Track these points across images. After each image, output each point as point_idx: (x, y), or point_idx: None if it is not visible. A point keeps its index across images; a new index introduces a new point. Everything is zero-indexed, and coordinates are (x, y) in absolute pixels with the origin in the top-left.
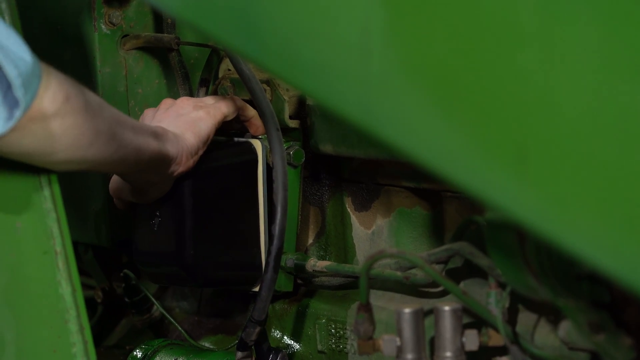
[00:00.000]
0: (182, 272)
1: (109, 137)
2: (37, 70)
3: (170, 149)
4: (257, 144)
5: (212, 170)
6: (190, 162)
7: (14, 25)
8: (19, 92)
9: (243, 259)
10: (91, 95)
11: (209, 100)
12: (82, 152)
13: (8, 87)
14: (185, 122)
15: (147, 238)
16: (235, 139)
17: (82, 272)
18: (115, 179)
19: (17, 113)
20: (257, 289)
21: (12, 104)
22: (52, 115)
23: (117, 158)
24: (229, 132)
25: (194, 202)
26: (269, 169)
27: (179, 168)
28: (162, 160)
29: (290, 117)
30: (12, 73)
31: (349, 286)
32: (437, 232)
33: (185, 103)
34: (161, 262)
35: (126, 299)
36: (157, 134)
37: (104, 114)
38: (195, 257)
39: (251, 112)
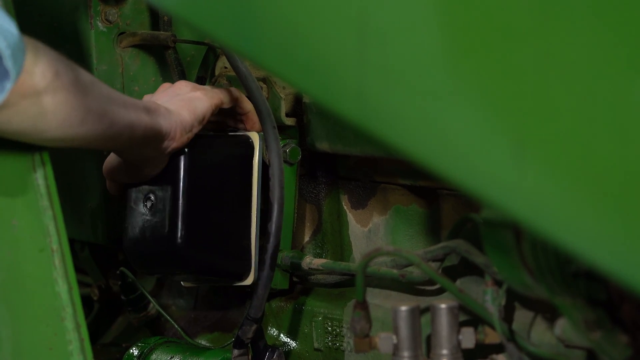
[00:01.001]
0: (171, 255)
1: (100, 114)
2: (23, 45)
3: (163, 123)
4: (255, 137)
5: (207, 159)
6: (185, 138)
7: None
8: (9, 62)
9: (233, 249)
10: (82, 73)
11: (208, 87)
12: (74, 129)
13: None
14: (182, 100)
15: (138, 223)
16: (231, 133)
17: (78, 269)
18: (109, 160)
19: (8, 85)
20: (245, 282)
21: (2, 75)
22: (43, 91)
23: (110, 134)
24: (225, 129)
25: (187, 187)
26: (265, 167)
27: (172, 143)
28: (156, 135)
29: (287, 115)
30: (1, 44)
31: (345, 284)
32: (433, 230)
33: (183, 84)
34: (151, 246)
35: (122, 297)
36: (149, 109)
37: (95, 91)
38: (186, 241)
39: (248, 105)
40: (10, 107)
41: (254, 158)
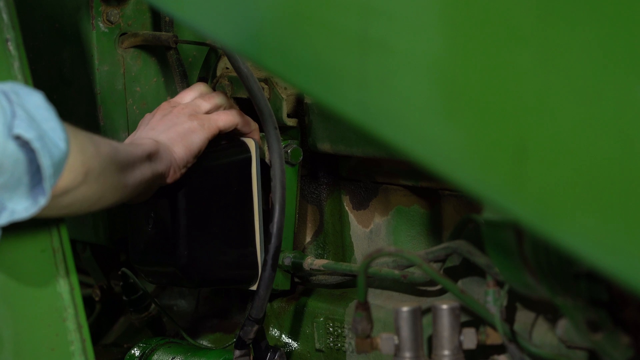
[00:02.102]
0: (177, 272)
1: (117, 186)
2: (66, 157)
3: (161, 167)
4: (251, 143)
5: (205, 170)
6: (178, 174)
7: (12, 22)
8: (47, 184)
9: (238, 258)
10: (104, 147)
11: (205, 105)
12: (89, 205)
13: (36, 171)
14: (178, 133)
15: (143, 238)
16: (224, 141)
17: (80, 270)
18: None
19: (42, 201)
20: (253, 287)
21: (38, 192)
22: (71, 190)
23: (120, 197)
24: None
25: (187, 202)
26: (266, 168)
27: (165, 181)
28: (155, 179)
29: (288, 116)
30: (46, 163)
31: (347, 285)
32: (435, 231)
33: (181, 112)
34: (157, 262)
35: (124, 297)
36: (151, 155)
37: (113, 166)
38: (190, 257)
39: (252, 126)
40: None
41: (252, 165)
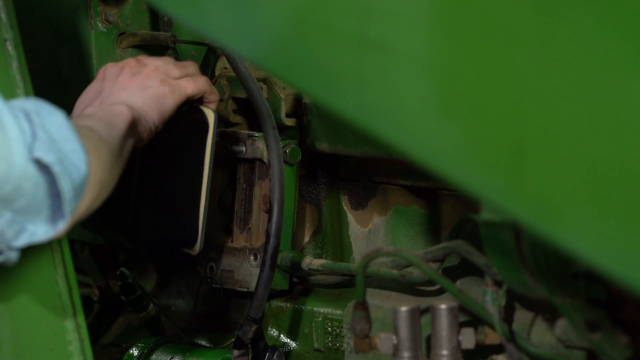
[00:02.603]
0: (122, 233)
1: (116, 176)
2: (88, 173)
3: (139, 135)
4: (210, 114)
5: (162, 135)
6: (149, 138)
7: (10, 22)
8: (67, 206)
9: (180, 221)
10: (103, 150)
11: (176, 71)
12: (107, 195)
13: (58, 194)
14: (152, 98)
15: None
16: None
17: (78, 270)
18: None
19: (61, 225)
20: (192, 251)
21: (59, 215)
22: (91, 204)
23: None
24: None
25: (140, 164)
26: (265, 167)
27: (139, 144)
28: (134, 144)
29: (287, 116)
30: (66, 187)
31: (345, 284)
32: (433, 230)
33: (152, 74)
34: (105, 220)
35: (122, 297)
36: (131, 126)
37: (114, 163)
38: (135, 220)
39: (215, 96)
40: None
41: (208, 135)
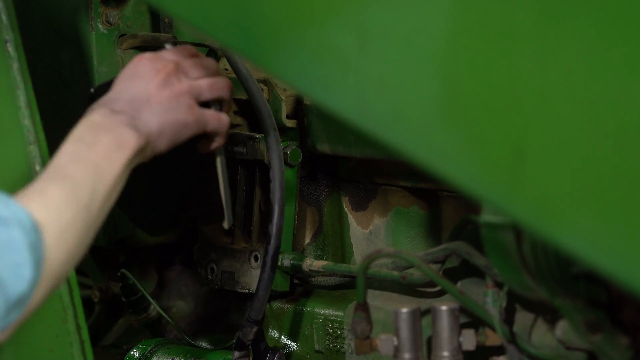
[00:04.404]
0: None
1: (95, 223)
2: (31, 291)
3: (139, 159)
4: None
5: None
6: (146, 161)
7: (11, 24)
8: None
9: (200, 196)
10: (74, 200)
11: (208, 95)
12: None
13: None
14: (171, 124)
15: None
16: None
17: (79, 271)
18: None
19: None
20: (225, 225)
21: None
22: (43, 301)
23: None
24: None
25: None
26: (265, 168)
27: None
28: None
29: (288, 117)
30: None
31: (346, 286)
32: (434, 232)
33: (183, 95)
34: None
35: (123, 299)
36: (138, 153)
37: (89, 230)
38: (151, 209)
39: (223, 138)
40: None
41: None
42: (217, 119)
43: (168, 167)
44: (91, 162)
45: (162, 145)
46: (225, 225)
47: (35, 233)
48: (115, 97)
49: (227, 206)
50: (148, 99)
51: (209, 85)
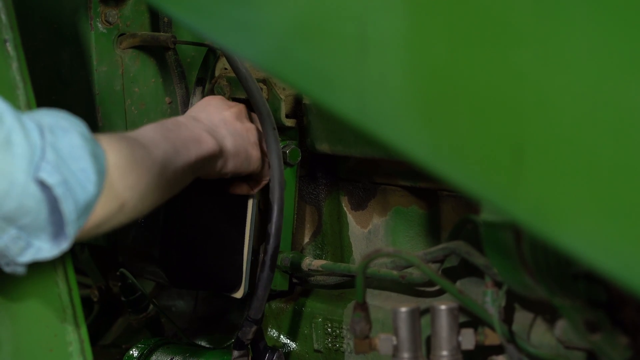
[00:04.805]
0: (160, 269)
1: (158, 200)
2: (97, 193)
3: (208, 171)
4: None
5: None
6: (214, 177)
7: (10, 23)
8: (69, 229)
9: (224, 266)
10: (149, 170)
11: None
12: (153, 205)
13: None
14: (243, 149)
15: (131, 230)
16: None
17: (78, 271)
18: None
19: (64, 245)
20: (236, 295)
21: (62, 234)
22: (105, 223)
23: (161, 203)
24: None
25: (184, 207)
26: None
27: (204, 177)
28: (194, 177)
29: (287, 116)
30: (68, 209)
31: (345, 285)
32: (433, 231)
33: (253, 132)
34: (141, 255)
35: (122, 298)
36: (207, 158)
37: (156, 186)
38: (178, 261)
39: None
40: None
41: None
42: (267, 167)
43: (204, 231)
44: (170, 139)
45: (231, 166)
46: (239, 294)
47: (95, 144)
48: (195, 115)
49: (247, 272)
50: (224, 122)
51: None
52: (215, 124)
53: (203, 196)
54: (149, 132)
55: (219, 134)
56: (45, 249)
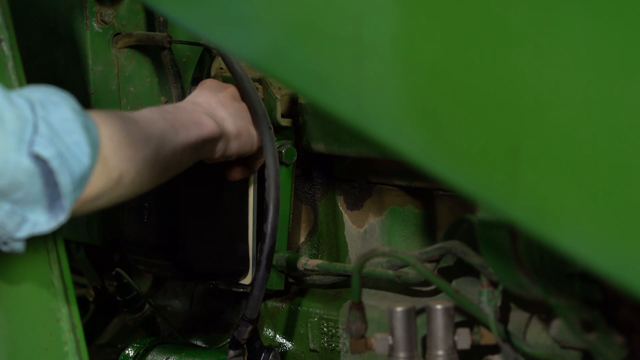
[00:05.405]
0: (173, 265)
1: (158, 177)
2: (92, 165)
3: (209, 154)
4: None
5: (204, 169)
6: (218, 160)
7: (5, 22)
8: (66, 200)
9: (231, 253)
10: (145, 144)
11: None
12: (128, 198)
13: (57, 185)
14: (244, 129)
15: (137, 228)
16: None
17: (73, 270)
18: None
19: (61, 217)
20: (244, 281)
21: (59, 206)
22: (102, 196)
23: (161, 181)
24: None
25: (186, 196)
26: (261, 168)
27: (207, 160)
28: (196, 160)
29: (283, 116)
30: (64, 181)
31: (341, 285)
32: (429, 231)
33: (248, 111)
34: (152, 254)
35: (118, 298)
36: (208, 140)
37: (154, 162)
38: (186, 251)
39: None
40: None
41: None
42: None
43: (212, 218)
44: (168, 120)
45: (234, 147)
46: (248, 280)
47: (86, 117)
48: (192, 99)
49: (253, 256)
50: (222, 105)
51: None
52: (213, 106)
53: (206, 186)
54: (145, 111)
55: (217, 116)
56: (42, 222)
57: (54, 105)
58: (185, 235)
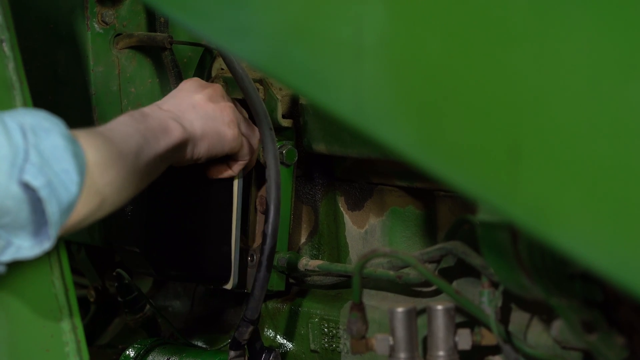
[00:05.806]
0: (143, 256)
1: (135, 191)
2: (78, 193)
3: (178, 158)
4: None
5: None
6: (186, 164)
7: (6, 23)
8: (52, 230)
9: (211, 257)
10: (123, 163)
11: (245, 129)
12: (128, 197)
13: (43, 212)
14: (214, 131)
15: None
16: None
17: (75, 271)
18: None
19: (46, 245)
20: (226, 287)
21: (44, 234)
22: (85, 220)
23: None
24: None
25: (167, 192)
26: (261, 168)
27: (176, 165)
28: (167, 166)
29: (283, 116)
30: (52, 210)
31: (342, 285)
32: (430, 231)
33: (227, 111)
34: (127, 242)
35: (119, 298)
36: (176, 147)
37: (132, 179)
38: (158, 245)
39: (241, 165)
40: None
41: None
42: (249, 147)
43: (190, 221)
44: (140, 131)
45: (202, 149)
46: (229, 285)
47: (76, 144)
48: (162, 102)
49: (235, 261)
50: (193, 106)
51: (248, 125)
52: (183, 109)
53: (187, 183)
54: (120, 125)
55: (185, 119)
56: (26, 247)
57: (46, 133)
58: (162, 234)
